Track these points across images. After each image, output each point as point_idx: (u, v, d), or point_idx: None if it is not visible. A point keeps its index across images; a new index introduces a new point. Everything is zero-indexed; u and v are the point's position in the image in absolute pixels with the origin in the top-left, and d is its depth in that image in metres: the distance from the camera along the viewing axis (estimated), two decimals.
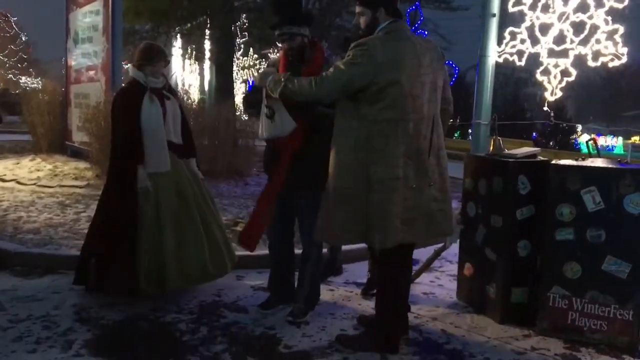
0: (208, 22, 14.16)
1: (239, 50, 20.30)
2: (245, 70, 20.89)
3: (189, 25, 14.80)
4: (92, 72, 9.76)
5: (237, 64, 20.04)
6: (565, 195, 3.58)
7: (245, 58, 21.14)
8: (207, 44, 16.07)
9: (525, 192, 3.83)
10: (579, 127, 31.23)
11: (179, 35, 17.63)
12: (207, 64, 18.18)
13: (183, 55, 19.67)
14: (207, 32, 14.80)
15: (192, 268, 3.94)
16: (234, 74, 16.28)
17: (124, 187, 3.88)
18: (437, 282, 4.80)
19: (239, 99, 18.63)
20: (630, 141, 23.19)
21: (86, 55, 10.08)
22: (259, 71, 3.56)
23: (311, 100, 3.26)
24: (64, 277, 4.39)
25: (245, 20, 16.54)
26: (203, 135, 8.84)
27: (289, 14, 3.56)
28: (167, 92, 4.11)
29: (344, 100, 3.18)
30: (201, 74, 21.63)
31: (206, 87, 19.66)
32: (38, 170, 8.86)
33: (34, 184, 7.92)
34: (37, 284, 4.30)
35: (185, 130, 4.23)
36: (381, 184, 3.06)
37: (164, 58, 4.12)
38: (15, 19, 55.18)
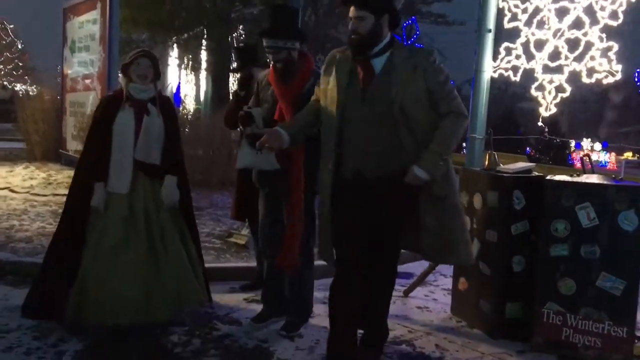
0: (205, 32, 14.24)
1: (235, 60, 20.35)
2: None
3: (185, 35, 14.89)
4: (88, 81, 9.75)
5: (233, 74, 20.07)
6: (560, 211, 3.58)
7: None
8: (204, 55, 16.12)
9: (520, 207, 3.83)
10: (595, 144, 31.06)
11: (175, 45, 17.68)
12: (203, 74, 18.22)
13: (179, 65, 19.70)
14: (204, 42, 14.87)
15: (120, 303, 3.43)
16: (230, 85, 16.32)
17: (80, 201, 3.64)
18: (431, 296, 4.79)
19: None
20: (623, 157, 23.33)
21: (82, 64, 10.08)
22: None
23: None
24: None
25: (242, 32, 16.62)
26: (198, 145, 8.83)
27: (277, 27, 3.57)
28: (155, 104, 3.66)
29: (432, 114, 3.03)
30: (197, 84, 21.68)
31: (202, 97, 19.69)
32: (31, 179, 8.82)
33: (27, 192, 7.87)
34: None
35: (171, 146, 3.74)
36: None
37: (146, 54, 3.67)
38: (11, 26, 55.20)
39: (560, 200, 3.59)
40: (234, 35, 16.04)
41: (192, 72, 20.10)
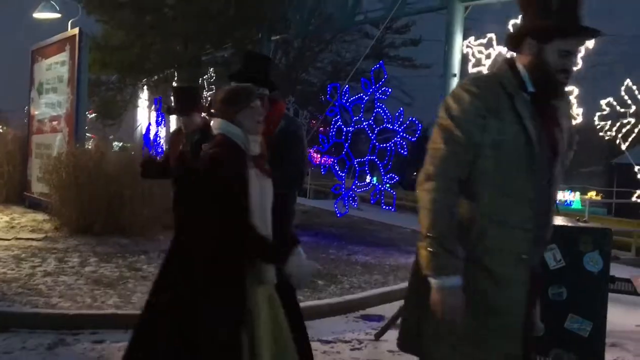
0: (175, 75, 14.30)
1: (206, 102, 20.47)
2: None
3: (155, 77, 14.92)
4: (55, 123, 9.66)
5: (170, 114, 20.19)
6: None
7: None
8: None
9: None
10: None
11: (145, 87, 17.69)
12: (173, 115, 18.18)
13: (149, 107, 19.67)
14: (174, 84, 14.92)
15: None
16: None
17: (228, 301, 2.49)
18: None
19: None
20: (587, 197, 23.87)
21: (50, 105, 10.00)
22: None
23: None
24: (16, 335, 4.19)
25: (212, 74, 16.75)
26: (168, 186, 8.73)
27: (245, 72, 3.60)
28: (264, 159, 2.76)
29: None
30: (167, 126, 21.64)
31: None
32: None
33: None
34: None
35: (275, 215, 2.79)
36: None
37: (258, 95, 2.78)
38: None
39: None
40: (204, 77, 16.17)
41: (163, 114, 20.11)
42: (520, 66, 2.14)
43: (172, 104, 4.46)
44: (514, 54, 2.20)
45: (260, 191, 2.60)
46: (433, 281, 2.05)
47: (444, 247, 2.04)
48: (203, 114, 4.56)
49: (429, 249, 2.05)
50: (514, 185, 2.10)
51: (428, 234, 2.05)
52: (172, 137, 4.53)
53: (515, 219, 2.10)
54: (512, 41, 2.19)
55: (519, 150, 2.09)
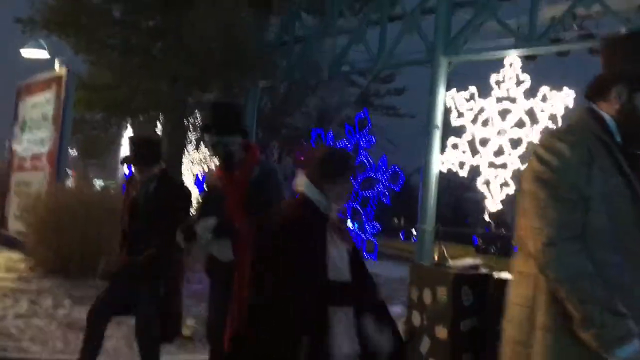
0: (160, 115, 14.33)
1: (190, 143, 20.48)
2: (196, 164, 20.98)
3: (141, 117, 14.91)
4: (36, 161, 9.59)
5: (188, 157, 20.13)
6: None
7: (196, 152, 21.31)
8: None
9: (469, 303, 3.87)
10: None
11: (129, 127, 17.67)
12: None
13: None
14: (159, 125, 14.96)
15: None
16: (183, 167, 16.29)
17: None
18: None
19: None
20: None
21: (32, 142, 9.96)
22: None
23: None
24: None
25: (198, 116, 16.82)
26: None
27: (213, 124, 3.64)
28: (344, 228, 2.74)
29: None
30: None
31: None
32: None
33: None
34: None
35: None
36: None
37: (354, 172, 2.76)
38: None
39: None
40: (189, 119, 16.21)
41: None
42: (605, 115, 1.95)
43: (128, 153, 4.36)
44: (592, 104, 2.02)
45: (339, 257, 2.53)
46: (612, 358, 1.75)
47: (611, 312, 1.75)
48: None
49: (596, 323, 1.75)
50: (629, 245, 1.85)
51: (588, 307, 1.77)
52: (126, 187, 4.43)
53: (637, 287, 1.83)
54: (596, 90, 2.00)
55: (626, 203, 1.86)
